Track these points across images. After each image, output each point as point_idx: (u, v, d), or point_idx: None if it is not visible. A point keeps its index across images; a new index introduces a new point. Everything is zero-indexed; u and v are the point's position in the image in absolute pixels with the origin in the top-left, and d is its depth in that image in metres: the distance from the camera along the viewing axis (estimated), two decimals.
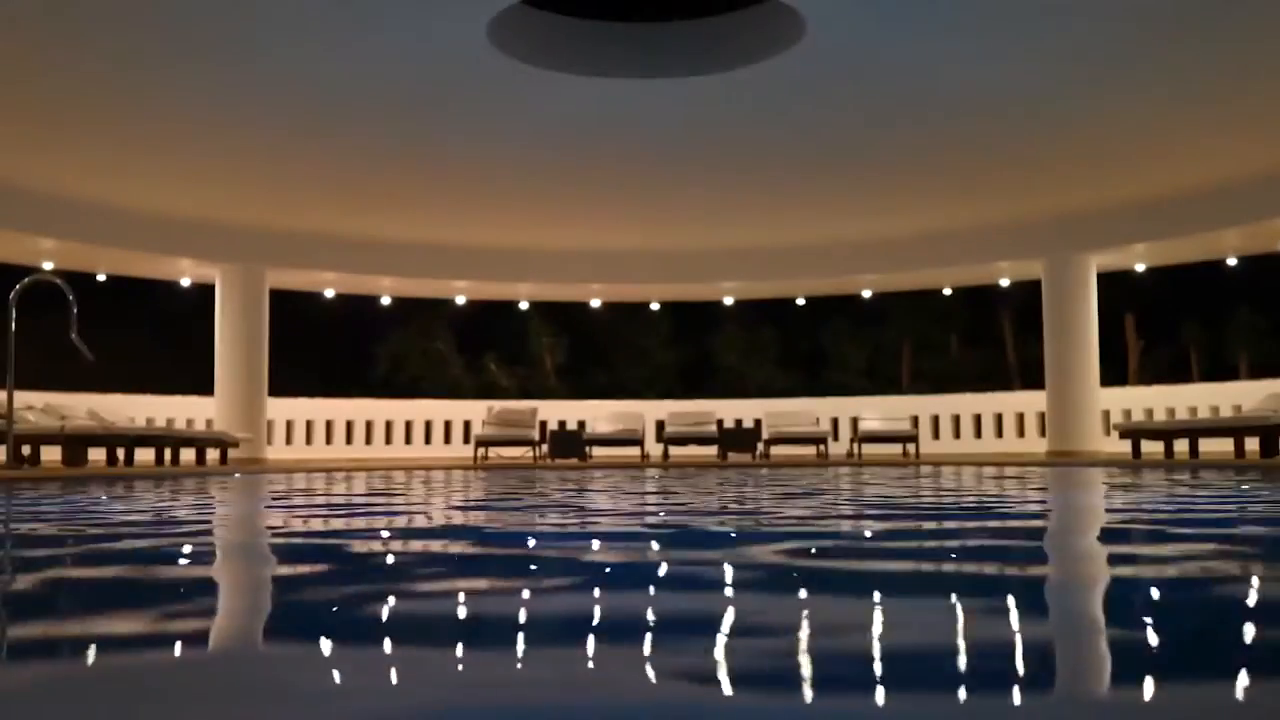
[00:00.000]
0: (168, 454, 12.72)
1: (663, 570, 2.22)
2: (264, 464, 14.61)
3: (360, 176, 13.27)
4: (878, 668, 1.19)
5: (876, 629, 1.43)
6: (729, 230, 16.09)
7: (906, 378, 34.95)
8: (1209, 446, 12.44)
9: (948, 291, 20.18)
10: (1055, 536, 3.10)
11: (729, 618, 1.53)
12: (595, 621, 1.51)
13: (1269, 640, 1.35)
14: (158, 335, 28.22)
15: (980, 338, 35.51)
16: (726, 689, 1.11)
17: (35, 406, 12.18)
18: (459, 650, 1.30)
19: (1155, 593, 1.86)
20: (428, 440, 18.35)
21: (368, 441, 18.20)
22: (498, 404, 17.90)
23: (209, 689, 1.11)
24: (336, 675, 1.17)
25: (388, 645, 1.33)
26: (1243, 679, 1.12)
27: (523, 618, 1.55)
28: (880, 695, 1.08)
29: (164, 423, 16.19)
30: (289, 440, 17.50)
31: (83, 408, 13.18)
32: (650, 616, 1.57)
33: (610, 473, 10.28)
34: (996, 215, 15.31)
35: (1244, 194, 13.53)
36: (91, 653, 1.33)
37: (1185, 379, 28.92)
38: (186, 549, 2.71)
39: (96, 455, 11.85)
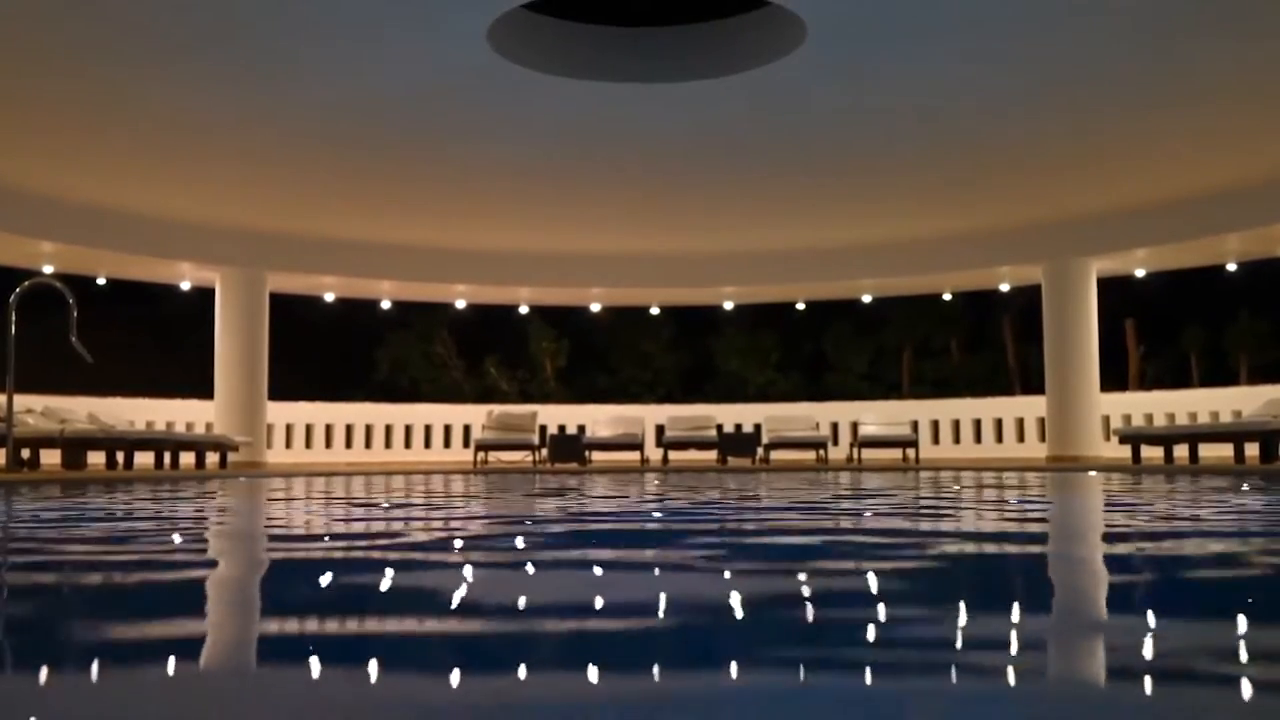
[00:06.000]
0: (167, 457, 12.71)
1: None
2: (264, 468, 14.61)
3: (361, 180, 13.28)
4: None
5: None
6: (729, 234, 16.09)
7: (907, 382, 34.92)
8: (1209, 452, 12.45)
9: (948, 296, 20.18)
10: None
11: None
12: None
13: None
14: (158, 338, 28.23)
15: (981, 342, 35.51)
16: None
17: (35, 410, 12.18)
18: None
19: None
20: (427, 444, 18.34)
21: (367, 445, 18.19)
22: (498, 408, 17.90)
23: None
24: None
25: None
26: None
27: None
28: None
29: (164, 426, 16.18)
30: (289, 444, 17.49)
31: (82, 411, 13.19)
32: None
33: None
34: (997, 219, 15.31)
35: (1244, 199, 13.54)
36: None
37: (1185, 384, 28.93)
38: None
39: (96, 458, 11.85)
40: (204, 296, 16.62)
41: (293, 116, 11.03)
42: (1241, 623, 1.52)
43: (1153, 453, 12.67)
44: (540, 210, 14.64)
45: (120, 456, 11.99)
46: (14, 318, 9.58)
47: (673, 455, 16.09)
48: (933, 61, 9.61)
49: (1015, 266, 16.59)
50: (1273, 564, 2.35)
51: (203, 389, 16.07)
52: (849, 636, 1.39)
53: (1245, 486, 6.25)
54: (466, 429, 18.31)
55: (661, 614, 1.58)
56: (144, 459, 12.74)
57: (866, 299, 19.68)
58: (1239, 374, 31.70)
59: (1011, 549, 2.76)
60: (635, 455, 15.91)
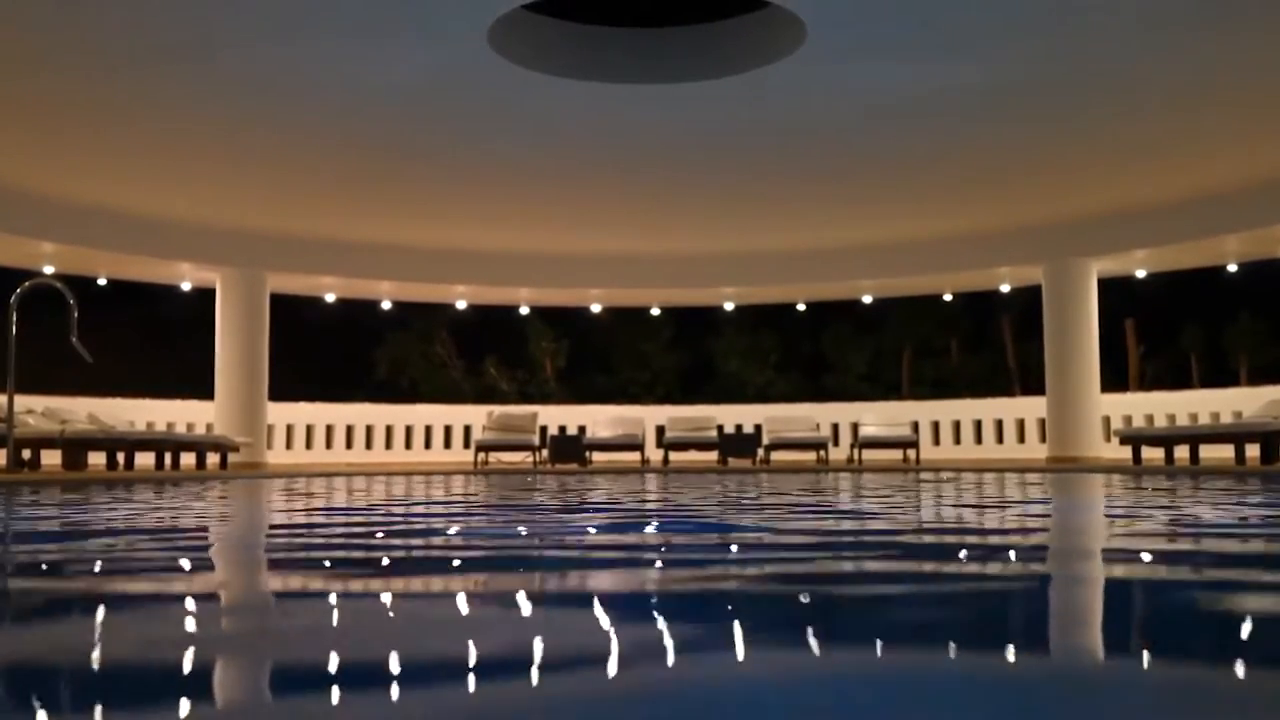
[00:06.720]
0: (168, 458, 12.71)
1: None
2: (264, 468, 14.61)
3: (361, 180, 13.27)
4: None
5: None
6: (729, 235, 16.09)
7: (907, 383, 34.92)
8: (1209, 453, 12.44)
9: (948, 296, 20.18)
10: None
11: None
12: None
13: None
14: (158, 339, 28.23)
15: (981, 343, 35.51)
16: None
17: (35, 410, 12.18)
18: None
19: None
20: (427, 445, 18.33)
21: (368, 446, 18.19)
22: (498, 409, 17.92)
23: None
24: None
25: None
26: None
27: None
28: None
29: (164, 427, 16.16)
30: (289, 445, 17.49)
31: (83, 411, 13.19)
32: None
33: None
34: (997, 220, 15.31)
35: (1244, 200, 13.54)
36: None
37: (1185, 385, 28.93)
38: None
39: (96, 459, 11.85)
40: (204, 297, 16.62)
41: (293, 117, 11.03)
42: None
43: (1153, 454, 12.66)
44: (540, 210, 14.64)
45: (120, 457, 11.99)
46: (14, 318, 9.58)
47: (673, 456, 16.08)
48: (932, 62, 9.61)
49: (1015, 267, 16.59)
50: None
51: (203, 389, 16.07)
52: None
53: None
54: (467, 429, 18.30)
55: None
56: (144, 460, 12.74)
57: (866, 299, 19.68)
58: (1239, 374, 31.70)
59: None
60: (635, 456, 15.91)
